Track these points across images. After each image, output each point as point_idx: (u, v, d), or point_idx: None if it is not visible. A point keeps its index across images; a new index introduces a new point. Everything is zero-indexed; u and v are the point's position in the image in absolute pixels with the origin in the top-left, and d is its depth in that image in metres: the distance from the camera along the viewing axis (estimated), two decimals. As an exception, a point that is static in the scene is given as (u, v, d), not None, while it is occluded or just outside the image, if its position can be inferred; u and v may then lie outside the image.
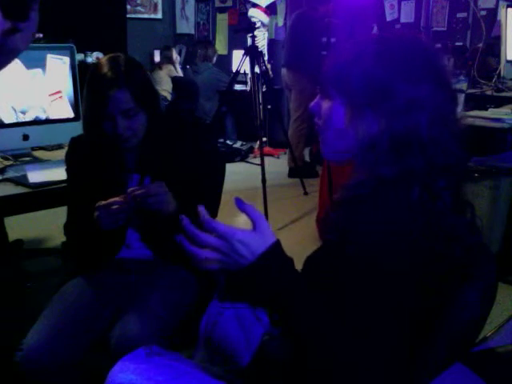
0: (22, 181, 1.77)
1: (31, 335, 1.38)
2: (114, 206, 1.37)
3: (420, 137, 0.91)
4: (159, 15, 7.09)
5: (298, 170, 4.54)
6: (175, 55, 6.30)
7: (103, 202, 1.38)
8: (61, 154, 2.12)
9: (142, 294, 1.49)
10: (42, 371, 1.35)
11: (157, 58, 6.51)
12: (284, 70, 4.87)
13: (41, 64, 2.06)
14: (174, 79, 5.91)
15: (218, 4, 7.09)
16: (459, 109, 3.02)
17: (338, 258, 0.91)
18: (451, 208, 0.93)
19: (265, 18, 4.70)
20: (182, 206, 1.43)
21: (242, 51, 4.29)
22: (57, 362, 1.36)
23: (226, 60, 6.68)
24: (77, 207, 1.55)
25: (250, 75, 4.45)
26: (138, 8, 6.85)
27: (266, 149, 5.51)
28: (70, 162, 1.62)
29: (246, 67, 4.49)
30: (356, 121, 0.96)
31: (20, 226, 2.96)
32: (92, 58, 4.79)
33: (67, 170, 1.63)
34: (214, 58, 5.92)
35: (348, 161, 1.01)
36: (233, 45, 6.69)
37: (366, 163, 0.95)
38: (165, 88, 5.90)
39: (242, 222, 0.97)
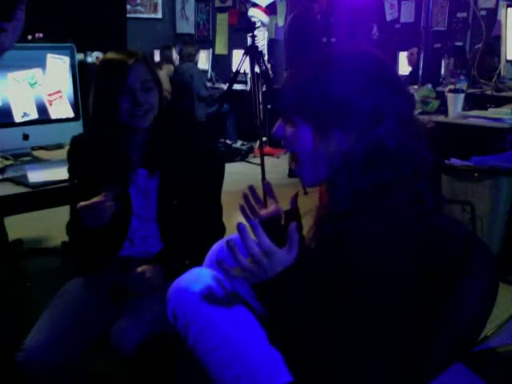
0: (22, 181, 1.76)
1: (32, 336, 1.38)
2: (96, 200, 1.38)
3: (388, 146, 0.92)
4: (159, 15, 7.10)
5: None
6: (175, 55, 6.28)
7: (84, 204, 1.38)
8: (61, 153, 2.12)
9: (141, 292, 1.49)
10: (43, 371, 1.35)
11: (157, 57, 6.51)
12: (286, 73, 4.85)
13: (41, 64, 2.06)
14: (171, 80, 5.90)
15: (217, 4, 7.09)
16: (458, 109, 3.03)
17: (330, 270, 0.92)
18: (434, 206, 0.94)
19: (265, 18, 4.69)
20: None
21: (242, 51, 4.29)
22: (57, 362, 1.36)
23: (226, 60, 6.68)
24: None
25: (249, 75, 4.45)
26: (138, 8, 6.86)
27: (266, 149, 5.50)
28: (73, 161, 1.61)
29: (246, 67, 4.49)
30: (325, 141, 0.96)
31: (20, 226, 2.96)
32: (92, 57, 4.80)
33: (69, 169, 1.62)
34: (197, 57, 5.88)
35: (325, 181, 1.02)
36: (233, 45, 6.69)
37: (341, 181, 0.96)
38: (165, 88, 5.86)
39: (240, 220, 1.02)
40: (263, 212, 1.24)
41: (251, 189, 1.22)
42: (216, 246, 1.33)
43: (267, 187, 1.25)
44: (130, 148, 1.55)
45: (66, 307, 1.47)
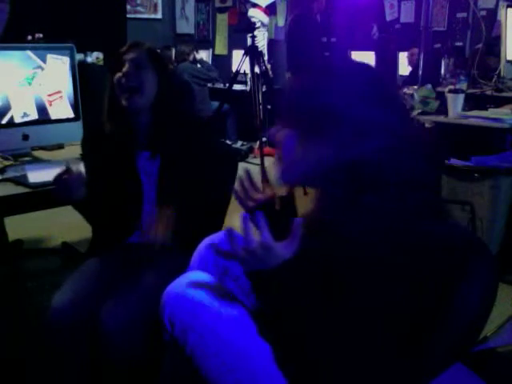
0: (22, 181, 1.77)
1: (57, 298, 1.43)
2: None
3: (369, 164, 0.92)
4: (159, 15, 7.11)
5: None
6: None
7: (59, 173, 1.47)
8: (61, 154, 2.12)
9: (140, 275, 1.50)
10: (66, 327, 1.39)
11: (157, 57, 6.49)
12: (288, 74, 4.85)
13: (41, 64, 2.06)
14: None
15: (217, 4, 7.09)
16: (458, 109, 3.03)
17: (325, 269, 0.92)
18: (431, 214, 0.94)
19: (265, 18, 4.70)
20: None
21: (242, 51, 4.29)
22: (79, 318, 1.40)
23: (226, 60, 6.68)
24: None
25: (249, 75, 4.45)
26: (138, 8, 6.86)
27: (266, 149, 5.50)
28: (85, 148, 1.71)
29: (246, 67, 4.49)
30: (305, 148, 0.97)
31: (20, 226, 2.95)
32: (92, 57, 4.79)
33: (83, 157, 1.72)
34: (191, 56, 5.86)
35: (304, 184, 1.03)
36: (233, 45, 6.69)
37: (325, 188, 0.97)
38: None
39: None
40: (259, 196, 1.26)
41: (247, 173, 1.25)
42: (202, 245, 1.32)
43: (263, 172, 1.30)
44: (136, 131, 1.62)
45: (85, 274, 1.53)
